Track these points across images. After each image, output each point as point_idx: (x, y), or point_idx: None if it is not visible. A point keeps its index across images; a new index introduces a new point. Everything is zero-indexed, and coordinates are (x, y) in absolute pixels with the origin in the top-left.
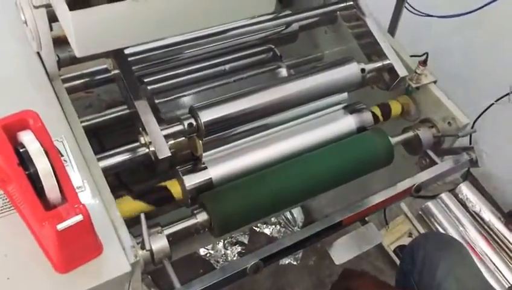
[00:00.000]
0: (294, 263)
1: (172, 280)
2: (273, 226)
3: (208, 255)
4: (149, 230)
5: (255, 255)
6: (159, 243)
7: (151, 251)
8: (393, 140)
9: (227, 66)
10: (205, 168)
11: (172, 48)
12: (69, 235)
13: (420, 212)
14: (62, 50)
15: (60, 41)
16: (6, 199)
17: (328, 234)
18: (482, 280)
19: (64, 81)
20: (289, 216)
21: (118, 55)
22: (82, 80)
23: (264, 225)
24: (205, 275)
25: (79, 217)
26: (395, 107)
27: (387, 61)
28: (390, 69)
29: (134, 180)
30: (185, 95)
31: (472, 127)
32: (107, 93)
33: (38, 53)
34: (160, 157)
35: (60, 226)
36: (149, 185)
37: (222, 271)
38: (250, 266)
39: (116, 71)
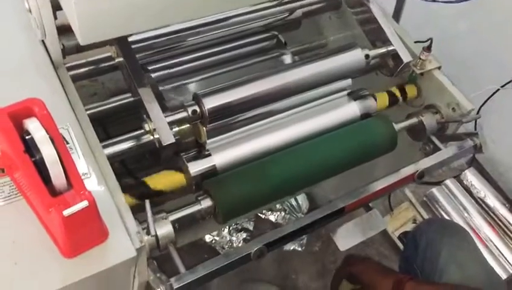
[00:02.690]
0: (299, 249)
1: (177, 264)
2: (278, 213)
3: (214, 241)
4: (154, 216)
5: (259, 241)
6: (164, 228)
7: (156, 236)
8: (397, 126)
9: (231, 54)
10: (209, 155)
11: (176, 35)
12: (75, 220)
13: (425, 199)
14: (67, 38)
15: (65, 30)
16: (13, 185)
17: (331, 220)
18: (484, 266)
19: (69, 69)
20: (294, 203)
21: (121, 42)
22: (86, 68)
23: (269, 212)
24: (209, 260)
25: (85, 203)
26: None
27: (392, 47)
28: (395, 55)
29: (140, 167)
30: (189, 83)
31: (478, 113)
32: (112, 82)
33: (43, 41)
34: (164, 143)
35: (66, 212)
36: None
37: (226, 256)
38: (254, 252)
39: (120, 59)
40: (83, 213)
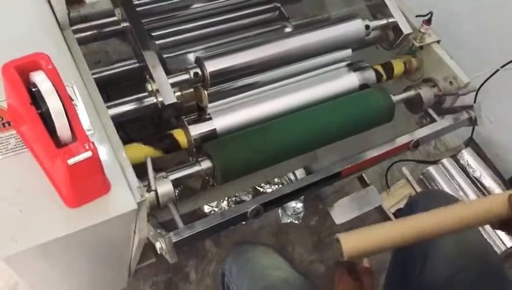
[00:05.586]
0: (296, 222)
1: (176, 220)
2: (276, 187)
3: (212, 212)
4: (155, 174)
5: (256, 201)
6: (165, 187)
7: (156, 192)
8: (395, 98)
9: (232, 24)
10: (210, 118)
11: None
12: (79, 170)
13: (421, 177)
14: (72, 10)
15: (70, 1)
16: (19, 138)
17: (327, 184)
18: (479, 235)
19: (75, 32)
20: (292, 177)
21: (126, 4)
22: (92, 32)
23: (267, 185)
24: (207, 217)
25: (88, 154)
26: (398, 66)
27: (392, 19)
28: (395, 27)
29: (142, 137)
30: (191, 52)
31: (477, 94)
32: (115, 54)
33: (49, 2)
34: (167, 103)
35: (71, 161)
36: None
37: (224, 214)
38: (251, 210)
39: (126, 24)
40: (86, 163)
